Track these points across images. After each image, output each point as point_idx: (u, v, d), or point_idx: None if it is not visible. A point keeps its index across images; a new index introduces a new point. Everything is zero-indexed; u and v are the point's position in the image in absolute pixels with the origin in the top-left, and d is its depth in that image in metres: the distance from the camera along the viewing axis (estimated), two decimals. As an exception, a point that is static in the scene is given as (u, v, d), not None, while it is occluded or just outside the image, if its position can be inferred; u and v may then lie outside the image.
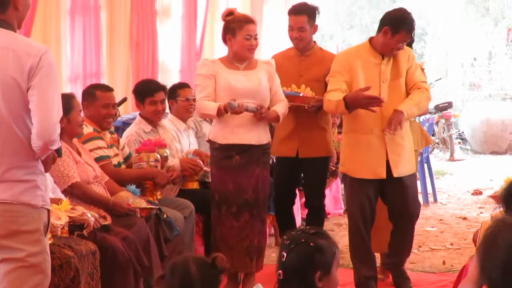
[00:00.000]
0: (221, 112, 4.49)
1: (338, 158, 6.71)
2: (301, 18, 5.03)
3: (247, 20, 4.66)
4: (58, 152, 3.07)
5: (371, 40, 4.63)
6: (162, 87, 5.29)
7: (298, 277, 2.58)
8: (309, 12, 5.05)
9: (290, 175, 5.20)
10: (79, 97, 4.70)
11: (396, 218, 4.71)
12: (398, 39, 4.50)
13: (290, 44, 5.26)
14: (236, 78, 4.57)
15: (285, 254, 2.63)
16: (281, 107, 4.70)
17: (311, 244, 2.64)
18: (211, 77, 4.60)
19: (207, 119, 5.69)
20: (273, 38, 9.55)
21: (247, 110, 4.49)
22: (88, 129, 4.66)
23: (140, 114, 5.25)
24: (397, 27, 4.49)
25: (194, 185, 5.17)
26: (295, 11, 5.10)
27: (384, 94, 4.53)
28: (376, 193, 4.67)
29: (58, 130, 2.89)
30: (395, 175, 4.57)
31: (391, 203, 4.69)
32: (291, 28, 5.08)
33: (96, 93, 4.78)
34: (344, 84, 4.54)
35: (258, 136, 4.65)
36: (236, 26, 4.61)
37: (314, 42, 5.17)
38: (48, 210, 3.01)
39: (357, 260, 4.79)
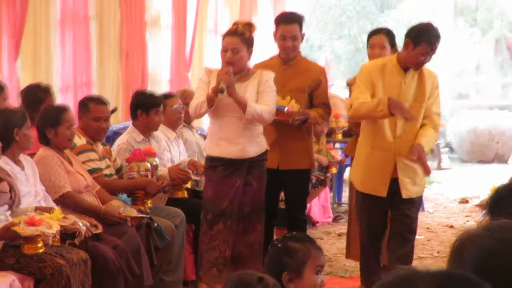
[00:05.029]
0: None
1: (327, 167, 6.82)
2: (293, 26, 4.94)
3: (227, 33, 4.69)
4: None
5: (398, 54, 4.54)
6: (162, 99, 5.36)
7: (273, 277, 2.58)
8: (300, 21, 4.99)
9: (271, 187, 5.04)
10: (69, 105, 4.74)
11: (394, 234, 4.64)
12: (419, 51, 4.40)
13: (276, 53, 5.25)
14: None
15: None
16: (258, 105, 4.59)
17: (279, 246, 2.74)
18: (207, 82, 4.63)
19: (186, 125, 5.78)
20: (261, 47, 9.62)
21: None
22: (81, 140, 4.72)
23: (133, 124, 5.28)
24: (418, 39, 4.39)
25: (183, 194, 5.21)
26: (287, 20, 4.97)
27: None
28: (384, 207, 4.61)
29: None
30: (404, 196, 4.52)
31: (394, 220, 4.65)
32: (283, 37, 4.94)
33: (89, 105, 4.81)
34: (369, 97, 4.46)
35: (242, 149, 4.63)
36: (222, 40, 4.71)
37: (299, 51, 5.10)
38: None
39: (362, 271, 4.79)
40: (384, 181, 4.53)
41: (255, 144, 4.69)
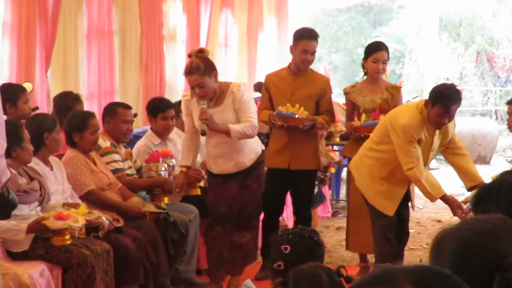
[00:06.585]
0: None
1: (326, 167, 6.77)
2: (315, 42, 4.91)
3: (186, 72, 4.37)
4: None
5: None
6: (173, 105, 5.26)
7: None
8: (317, 37, 4.98)
9: (281, 185, 5.05)
10: (94, 111, 4.70)
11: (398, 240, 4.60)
12: (435, 112, 4.18)
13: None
14: None
15: (288, 247, 2.62)
16: (239, 125, 4.37)
17: (315, 238, 2.66)
18: (189, 114, 4.50)
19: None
20: (266, 60, 9.64)
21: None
22: (105, 143, 4.68)
23: (151, 128, 5.25)
24: (435, 101, 4.18)
25: (197, 192, 5.17)
26: (310, 36, 4.91)
27: (430, 160, 4.46)
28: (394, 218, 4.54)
29: (2, 163, 2.53)
30: (414, 208, 4.54)
31: (399, 228, 4.58)
32: (305, 51, 4.87)
33: (117, 109, 4.78)
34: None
35: (237, 163, 4.51)
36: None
37: None
38: None
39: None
40: (395, 203, 4.45)
41: (249, 154, 4.55)
